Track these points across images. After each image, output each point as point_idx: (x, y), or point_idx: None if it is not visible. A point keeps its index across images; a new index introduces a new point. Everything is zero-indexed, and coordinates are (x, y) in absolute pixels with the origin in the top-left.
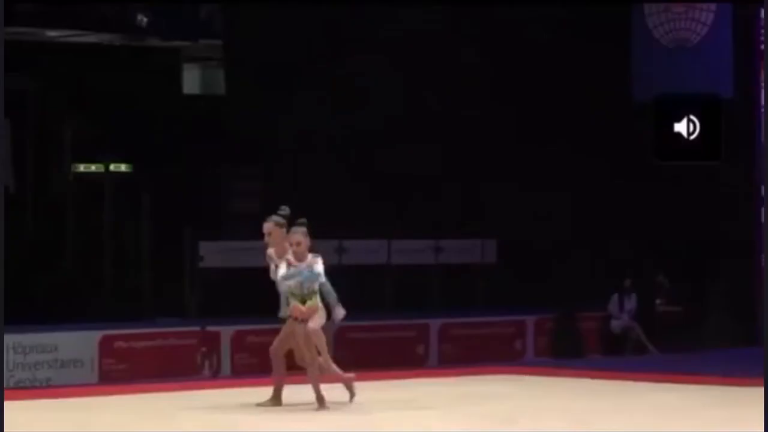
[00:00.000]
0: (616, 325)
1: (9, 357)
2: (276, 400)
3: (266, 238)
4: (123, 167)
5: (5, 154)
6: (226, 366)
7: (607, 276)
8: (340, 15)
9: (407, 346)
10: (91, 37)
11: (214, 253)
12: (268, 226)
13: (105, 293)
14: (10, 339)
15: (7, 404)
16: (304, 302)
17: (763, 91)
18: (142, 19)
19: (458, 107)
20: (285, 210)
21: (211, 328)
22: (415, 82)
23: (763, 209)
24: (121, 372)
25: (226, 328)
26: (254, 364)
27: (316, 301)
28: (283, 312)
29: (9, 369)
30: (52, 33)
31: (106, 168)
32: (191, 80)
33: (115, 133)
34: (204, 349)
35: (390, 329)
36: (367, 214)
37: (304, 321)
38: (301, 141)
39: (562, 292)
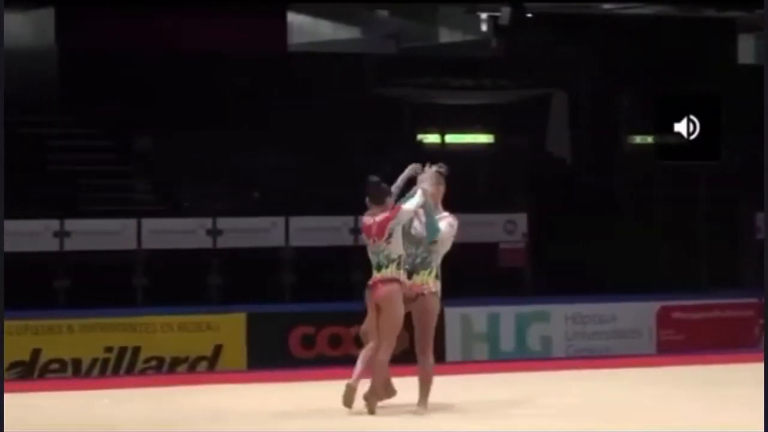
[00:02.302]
0: None
1: (568, 327)
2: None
3: None
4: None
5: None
6: None
7: None
8: None
9: None
10: (646, 9)
11: None
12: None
13: (662, 264)
14: (568, 309)
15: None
16: (410, 276)
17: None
18: None
19: None
20: (442, 167)
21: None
22: None
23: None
24: (679, 343)
25: None
26: None
27: (426, 277)
28: None
29: (568, 339)
30: (608, 6)
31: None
32: (746, 50)
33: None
34: (761, 321)
35: None
36: None
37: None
38: None
39: None
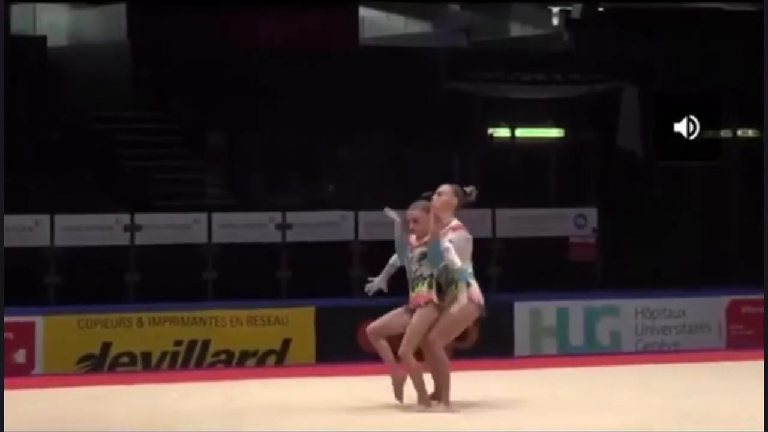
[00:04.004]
0: None
1: (637, 321)
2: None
3: (411, 226)
4: (750, 132)
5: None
6: None
7: None
8: None
9: None
10: (718, 3)
11: None
12: (413, 214)
13: (731, 259)
14: (638, 304)
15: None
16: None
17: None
18: None
19: None
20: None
21: None
22: None
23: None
24: (749, 338)
25: None
26: None
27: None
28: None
29: (638, 333)
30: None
31: (734, 133)
32: None
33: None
34: None
35: None
36: None
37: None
38: None
39: None
